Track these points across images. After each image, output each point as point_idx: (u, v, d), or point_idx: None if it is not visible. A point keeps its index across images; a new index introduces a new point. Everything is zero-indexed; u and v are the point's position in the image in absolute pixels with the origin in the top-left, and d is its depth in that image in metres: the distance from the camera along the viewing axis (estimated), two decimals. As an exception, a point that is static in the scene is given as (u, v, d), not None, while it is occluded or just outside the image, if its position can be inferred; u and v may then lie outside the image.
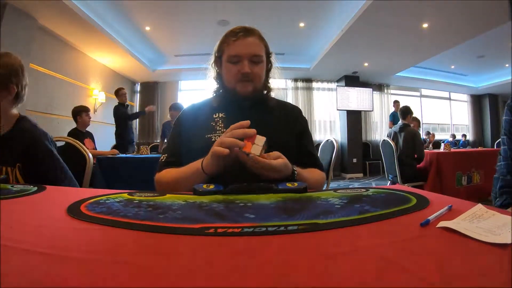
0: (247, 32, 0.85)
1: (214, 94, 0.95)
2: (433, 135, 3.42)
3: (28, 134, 0.98)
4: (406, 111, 3.22)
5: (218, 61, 0.91)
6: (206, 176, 0.70)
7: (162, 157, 0.89)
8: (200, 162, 0.71)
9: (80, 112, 3.06)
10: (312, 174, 0.86)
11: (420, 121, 3.62)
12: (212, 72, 0.94)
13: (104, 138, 4.59)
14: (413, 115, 3.36)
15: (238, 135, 0.65)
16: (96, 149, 3.22)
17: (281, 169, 0.69)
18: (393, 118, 5.27)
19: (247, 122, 0.67)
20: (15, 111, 1.02)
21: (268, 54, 0.92)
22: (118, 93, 4.04)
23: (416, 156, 3.00)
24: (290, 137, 0.89)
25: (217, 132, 0.85)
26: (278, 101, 0.99)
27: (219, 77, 0.92)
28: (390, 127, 4.49)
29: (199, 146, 0.84)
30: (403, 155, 3.00)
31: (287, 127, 0.91)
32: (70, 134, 2.96)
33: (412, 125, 3.23)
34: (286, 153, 0.85)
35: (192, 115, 0.92)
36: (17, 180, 0.95)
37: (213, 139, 0.83)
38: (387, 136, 3.28)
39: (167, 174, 0.82)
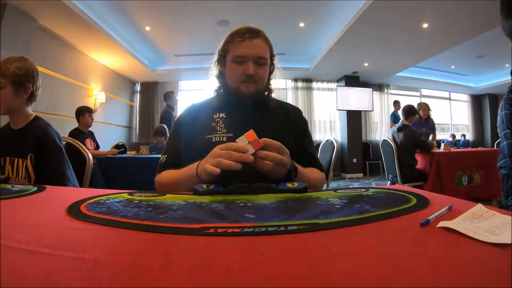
0: (253, 33, 0.85)
1: (215, 93, 0.95)
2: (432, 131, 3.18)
3: (41, 130, 1.08)
4: (409, 111, 3.09)
5: (221, 60, 0.90)
6: (201, 181, 0.69)
7: (161, 158, 0.89)
8: (196, 167, 0.70)
9: (83, 112, 3.08)
10: (312, 173, 0.86)
11: (428, 105, 3.51)
12: (214, 71, 0.94)
13: (104, 138, 4.59)
14: (427, 107, 3.41)
15: (235, 159, 0.62)
16: (97, 149, 3.23)
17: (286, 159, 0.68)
18: (394, 118, 5.26)
19: (246, 148, 0.64)
20: (30, 111, 1.13)
21: (272, 56, 0.92)
22: (170, 96, 4.01)
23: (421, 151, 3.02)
24: (290, 137, 0.89)
25: (217, 132, 0.85)
26: (278, 101, 0.99)
27: (221, 76, 0.92)
28: (391, 127, 4.49)
29: (199, 147, 0.83)
30: (402, 155, 3.00)
31: (287, 128, 0.91)
32: (71, 134, 2.97)
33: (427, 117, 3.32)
34: None
35: (192, 115, 0.92)
36: (27, 170, 1.03)
37: (213, 140, 0.83)
38: (392, 138, 3.25)
39: (166, 175, 0.82)
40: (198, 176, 0.69)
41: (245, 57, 0.84)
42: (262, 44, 0.86)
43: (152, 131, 6.41)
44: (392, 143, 2.99)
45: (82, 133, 3.07)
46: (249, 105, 0.90)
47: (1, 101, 1.04)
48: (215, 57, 0.92)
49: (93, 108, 3.26)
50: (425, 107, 3.49)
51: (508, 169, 0.71)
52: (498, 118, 0.88)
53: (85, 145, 2.92)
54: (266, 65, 0.88)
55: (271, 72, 0.94)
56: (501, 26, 0.63)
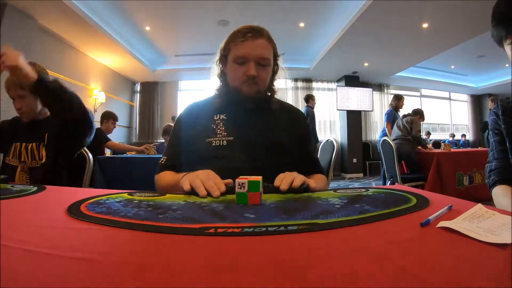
0: (256, 33, 0.82)
1: (216, 93, 0.92)
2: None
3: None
4: (417, 112, 3.44)
5: (223, 60, 0.88)
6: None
7: (161, 159, 0.88)
8: (181, 177, 0.67)
9: (108, 118, 3.15)
10: (318, 181, 0.83)
11: (424, 118, 3.74)
12: (216, 70, 0.91)
13: (104, 138, 4.59)
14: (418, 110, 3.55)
15: (208, 187, 0.59)
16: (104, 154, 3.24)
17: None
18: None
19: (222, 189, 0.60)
20: (48, 111, 1.19)
21: (276, 56, 0.89)
22: (311, 98, 4.75)
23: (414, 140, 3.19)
24: (292, 140, 0.88)
25: (218, 136, 0.83)
26: (281, 103, 0.96)
27: (223, 76, 0.90)
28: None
29: (200, 150, 0.83)
30: (402, 135, 3.16)
31: (290, 131, 0.89)
32: (96, 132, 2.97)
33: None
34: (288, 157, 0.85)
35: (194, 116, 0.91)
36: (39, 153, 1.11)
37: (213, 144, 0.82)
38: (396, 124, 3.39)
39: (164, 178, 0.82)
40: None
41: (247, 58, 0.81)
42: (265, 45, 0.83)
43: (152, 131, 6.44)
44: (392, 143, 2.99)
45: (105, 135, 3.08)
46: (251, 106, 0.88)
47: (26, 109, 1.14)
48: (217, 56, 0.89)
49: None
50: (403, 100, 3.99)
51: (488, 162, 0.84)
52: None
53: (104, 148, 2.96)
54: (269, 66, 0.85)
55: (275, 73, 0.91)
56: (491, 33, 0.68)
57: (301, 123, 0.95)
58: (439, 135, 7.79)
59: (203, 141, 0.83)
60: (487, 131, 5.53)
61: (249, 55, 0.81)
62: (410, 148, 3.13)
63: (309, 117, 4.66)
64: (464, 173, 3.04)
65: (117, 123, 5.69)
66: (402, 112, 4.02)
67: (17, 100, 1.13)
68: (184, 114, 0.93)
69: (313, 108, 4.91)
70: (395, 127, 3.36)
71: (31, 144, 1.12)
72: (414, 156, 3.13)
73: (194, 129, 0.87)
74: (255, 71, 0.81)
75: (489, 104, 5.37)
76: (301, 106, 6.31)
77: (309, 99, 4.88)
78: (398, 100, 4.03)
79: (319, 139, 6.17)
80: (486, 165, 0.84)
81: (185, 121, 0.91)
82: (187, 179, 0.62)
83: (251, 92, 0.83)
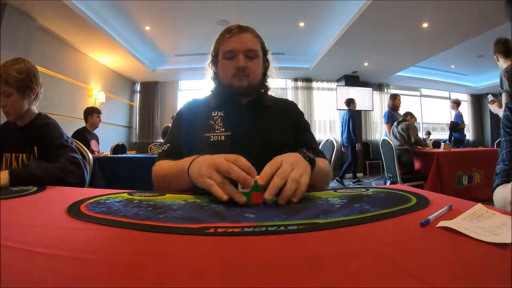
0: (242, 28, 0.86)
1: (212, 93, 0.95)
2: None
3: (43, 121, 1.11)
4: (407, 115, 3.49)
5: (215, 61, 0.91)
6: (190, 180, 0.60)
7: (164, 147, 0.87)
8: (189, 163, 0.62)
9: (92, 113, 3.15)
10: (321, 162, 0.76)
11: (415, 117, 3.72)
12: (209, 72, 0.94)
13: (104, 137, 4.57)
14: (410, 112, 3.55)
15: (236, 176, 0.50)
16: (100, 151, 3.24)
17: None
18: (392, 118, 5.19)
19: (253, 173, 0.53)
20: (35, 109, 1.15)
21: (265, 52, 0.92)
22: (352, 102, 4.94)
23: (414, 143, 3.18)
24: (288, 134, 0.90)
25: (216, 131, 0.85)
26: (276, 99, 0.99)
27: (216, 77, 0.92)
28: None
29: (198, 144, 0.84)
30: (400, 145, 3.13)
31: (285, 124, 0.91)
32: (78, 131, 2.99)
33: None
34: (286, 150, 0.85)
35: (193, 111, 0.93)
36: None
37: (211, 139, 0.84)
38: (392, 133, 3.38)
39: (161, 166, 0.79)
40: (189, 174, 0.60)
41: (235, 51, 0.84)
42: (251, 38, 0.87)
43: (152, 131, 6.44)
44: (392, 143, 3.00)
45: (89, 133, 3.09)
46: (245, 102, 0.91)
47: (11, 108, 1.06)
48: (209, 58, 0.93)
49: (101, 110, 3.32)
50: (399, 98, 4.01)
51: (497, 164, 0.76)
52: None
53: (89, 145, 2.95)
54: (257, 58, 0.87)
55: (266, 69, 0.94)
56: (504, 11, 0.68)
57: (292, 112, 0.96)
58: (439, 135, 7.78)
59: (202, 135, 0.85)
60: (450, 132, 5.41)
61: (236, 48, 0.84)
62: (408, 157, 3.11)
63: (351, 119, 4.85)
64: (463, 172, 3.05)
65: (117, 122, 5.70)
66: (401, 110, 4.01)
67: (2, 97, 1.05)
68: (184, 107, 0.96)
69: (354, 111, 5.07)
70: (391, 136, 3.32)
71: (21, 155, 1.06)
72: (412, 165, 3.13)
73: (193, 124, 0.88)
74: (244, 62, 0.84)
75: (452, 106, 5.31)
76: (301, 106, 6.32)
77: (350, 103, 5.02)
78: (394, 99, 4.03)
79: (319, 139, 6.18)
80: (497, 166, 0.77)
81: (185, 115, 0.93)
82: (205, 177, 0.53)
83: (242, 85, 0.85)
